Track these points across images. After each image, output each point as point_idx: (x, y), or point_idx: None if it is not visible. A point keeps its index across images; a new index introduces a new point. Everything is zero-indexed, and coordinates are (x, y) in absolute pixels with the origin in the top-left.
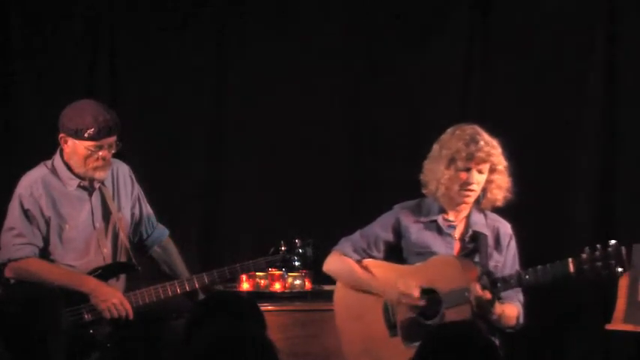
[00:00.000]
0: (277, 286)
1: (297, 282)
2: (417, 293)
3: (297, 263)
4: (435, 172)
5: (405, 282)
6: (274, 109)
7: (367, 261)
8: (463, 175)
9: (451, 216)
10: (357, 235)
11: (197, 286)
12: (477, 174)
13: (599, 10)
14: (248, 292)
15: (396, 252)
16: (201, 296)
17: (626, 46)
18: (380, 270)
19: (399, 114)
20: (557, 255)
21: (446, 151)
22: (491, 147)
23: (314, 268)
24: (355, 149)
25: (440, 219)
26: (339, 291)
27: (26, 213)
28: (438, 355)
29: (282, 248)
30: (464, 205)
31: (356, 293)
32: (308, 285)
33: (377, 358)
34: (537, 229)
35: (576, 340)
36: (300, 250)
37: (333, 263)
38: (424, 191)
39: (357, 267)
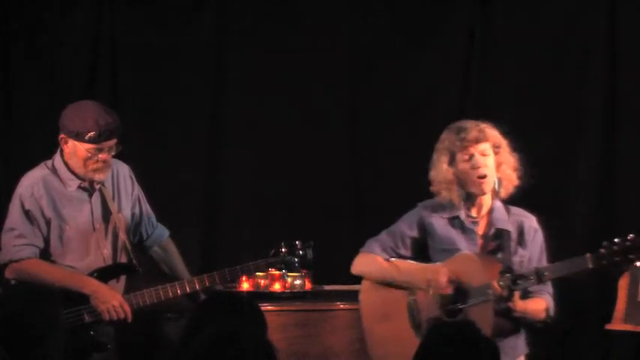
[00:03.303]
0: (277, 286)
1: (297, 282)
2: (444, 278)
3: (297, 265)
4: (442, 177)
5: (433, 270)
6: (274, 108)
7: (394, 260)
8: (468, 164)
9: (473, 212)
10: (383, 235)
11: (197, 287)
12: (481, 157)
13: (600, 8)
14: (248, 292)
15: (422, 251)
16: (202, 298)
17: (627, 43)
18: (406, 267)
19: (398, 114)
20: (557, 252)
21: (441, 150)
22: (483, 127)
23: (314, 270)
24: (355, 150)
25: (462, 215)
26: (365, 293)
27: (27, 213)
28: (438, 354)
29: (283, 250)
30: (484, 199)
31: (381, 294)
32: (308, 285)
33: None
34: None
35: (576, 339)
36: (301, 252)
37: (362, 263)
38: (439, 199)
39: (384, 262)
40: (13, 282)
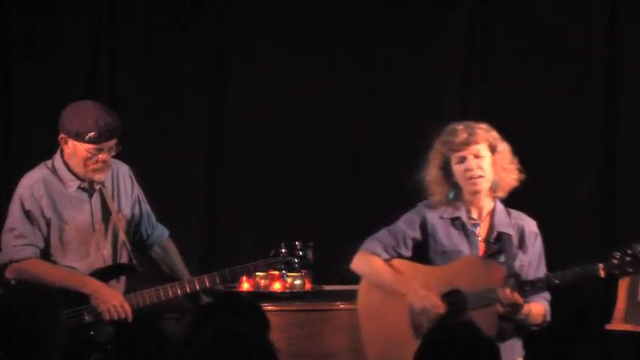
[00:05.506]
0: (277, 286)
1: (297, 282)
2: (441, 311)
3: (297, 265)
4: (430, 178)
5: (432, 301)
6: (274, 109)
7: (394, 261)
8: (462, 166)
9: (474, 214)
10: (384, 233)
11: (197, 287)
12: (474, 159)
13: (600, 8)
14: (248, 292)
15: (420, 252)
16: (202, 297)
17: (627, 42)
18: (406, 271)
19: (398, 115)
20: (557, 252)
21: (434, 152)
22: (474, 128)
23: (314, 270)
24: (355, 151)
25: (464, 216)
26: (363, 292)
27: (27, 214)
28: (438, 356)
29: (283, 250)
30: (483, 201)
31: (379, 294)
32: (308, 285)
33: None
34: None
35: (576, 339)
36: (301, 253)
37: (361, 263)
38: (434, 200)
39: (384, 267)
40: (13, 282)
